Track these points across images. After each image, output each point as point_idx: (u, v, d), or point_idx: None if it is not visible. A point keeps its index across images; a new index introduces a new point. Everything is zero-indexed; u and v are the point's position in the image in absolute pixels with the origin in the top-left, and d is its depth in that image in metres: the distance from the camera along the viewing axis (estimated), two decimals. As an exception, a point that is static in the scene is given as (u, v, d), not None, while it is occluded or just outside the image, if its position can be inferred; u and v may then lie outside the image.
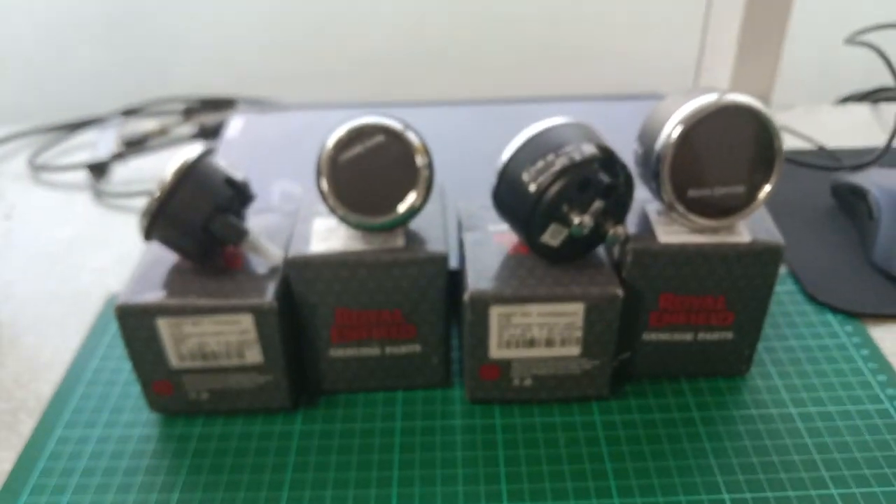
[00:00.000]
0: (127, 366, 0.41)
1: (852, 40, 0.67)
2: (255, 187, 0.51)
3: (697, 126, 0.32)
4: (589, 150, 0.32)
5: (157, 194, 0.32)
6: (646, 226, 0.36)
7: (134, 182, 0.61)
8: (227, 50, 0.87)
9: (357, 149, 0.33)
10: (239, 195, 0.35)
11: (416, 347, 0.37)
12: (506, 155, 0.34)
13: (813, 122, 0.68)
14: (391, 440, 0.37)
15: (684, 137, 0.32)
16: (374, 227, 0.34)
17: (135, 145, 0.65)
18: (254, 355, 0.36)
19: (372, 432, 0.37)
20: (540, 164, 0.33)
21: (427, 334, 0.37)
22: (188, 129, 0.68)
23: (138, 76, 0.86)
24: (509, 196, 0.34)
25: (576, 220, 0.32)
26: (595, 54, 0.91)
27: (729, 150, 0.33)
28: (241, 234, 0.34)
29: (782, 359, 0.41)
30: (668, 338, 0.38)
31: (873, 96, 0.72)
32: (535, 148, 0.33)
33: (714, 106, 0.32)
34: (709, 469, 0.35)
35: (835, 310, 0.44)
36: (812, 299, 0.45)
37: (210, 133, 0.65)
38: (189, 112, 0.70)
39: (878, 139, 0.64)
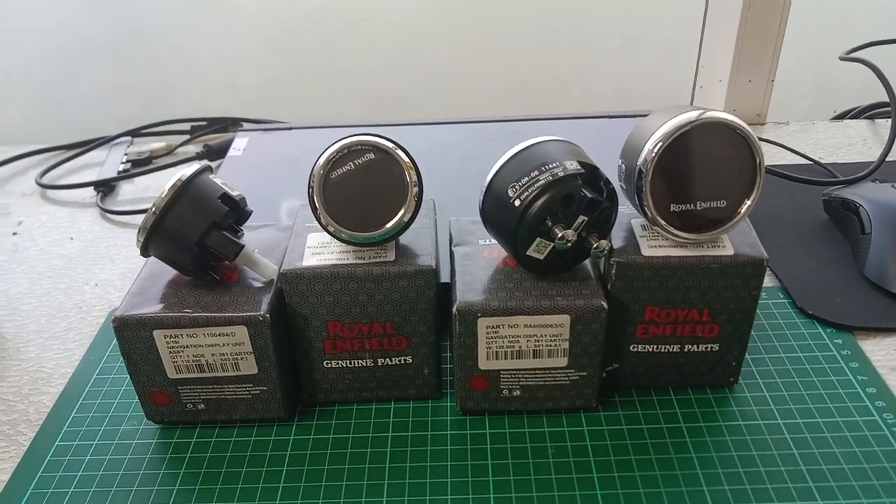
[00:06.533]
0: (126, 378, 0.42)
1: (847, 57, 0.67)
2: (257, 202, 0.53)
3: (677, 143, 0.33)
4: (572, 166, 0.33)
5: (153, 210, 0.34)
6: (631, 239, 0.36)
7: (139, 200, 0.63)
8: (231, 72, 0.89)
9: (348, 166, 0.34)
10: (235, 211, 0.36)
11: (408, 359, 0.38)
12: (492, 171, 0.35)
13: (809, 138, 0.68)
14: (383, 450, 0.38)
15: (664, 154, 0.33)
16: (364, 241, 0.35)
17: (141, 164, 0.67)
18: (248, 366, 0.36)
19: (364, 442, 0.38)
20: (524, 179, 0.33)
21: (418, 346, 0.38)
22: (193, 148, 0.69)
23: (145, 98, 0.88)
24: (495, 211, 0.35)
25: (559, 234, 0.33)
26: (593, 75, 0.92)
27: (710, 166, 0.34)
28: (235, 249, 0.35)
29: (771, 371, 0.41)
30: (654, 349, 0.38)
31: (870, 112, 0.73)
32: (520, 164, 0.34)
33: (693, 123, 0.33)
34: (695, 478, 0.35)
35: (825, 322, 0.45)
36: (803, 312, 0.46)
37: (215, 152, 0.66)
38: (194, 131, 0.72)
39: (873, 154, 0.64)
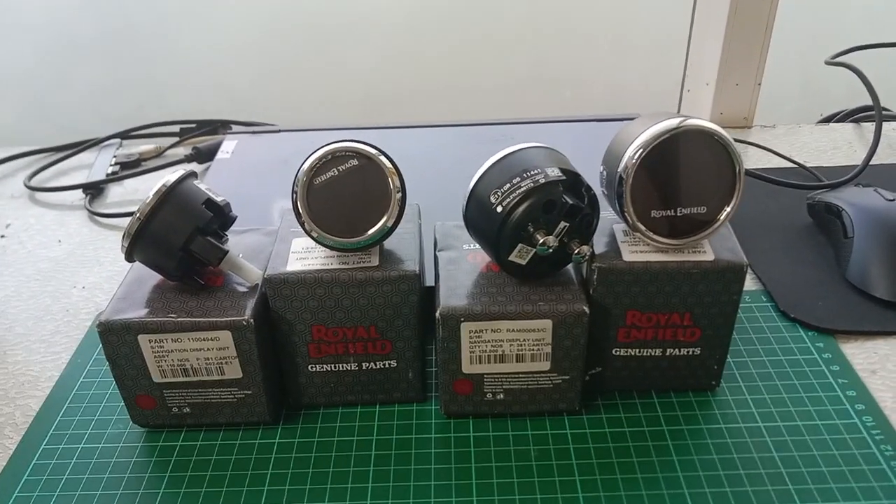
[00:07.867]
0: (112, 381, 0.42)
1: (833, 62, 0.68)
2: (245, 205, 0.53)
3: (657, 150, 0.33)
4: (554, 173, 0.34)
5: (138, 216, 0.34)
6: (613, 245, 0.37)
7: (128, 202, 0.63)
8: (223, 73, 0.89)
9: (331, 172, 0.34)
10: (219, 216, 0.36)
11: (392, 363, 0.39)
12: (475, 177, 0.35)
13: (795, 141, 0.69)
14: (367, 453, 0.38)
15: (644, 161, 0.33)
16: (348, 247, 0.35)
17: (130, 166, 0.67)
18: (233, 371, 0.37)
19: (349, 445, 0.38)
20: (506, 186, 0.34)
21: (402, 350, 0.38)
22: (182, 150, 0.69)
23: (136, 100, 0.88)
24: (478, 217, 0.35)
25: (541, 240, 0.33)
26: (585, 77, 0.93)
27: (690, 173, 0.34)
28: (219, 255, 0.35)
29: (753, 374, 0.42)
30: (636, 353, 0.39)
31: (856, 116, 0.73)
32: (503, 171, 0.34)
33: (674, 130, 0.33)
34: (676, 482, 0.36)
35: (807, 326, 0.45)
36: (785, 316, 0.46)
37: (204, 154, 0.66)
38: (184, 134, 0.72)
39: (859, 158, 0.65)
